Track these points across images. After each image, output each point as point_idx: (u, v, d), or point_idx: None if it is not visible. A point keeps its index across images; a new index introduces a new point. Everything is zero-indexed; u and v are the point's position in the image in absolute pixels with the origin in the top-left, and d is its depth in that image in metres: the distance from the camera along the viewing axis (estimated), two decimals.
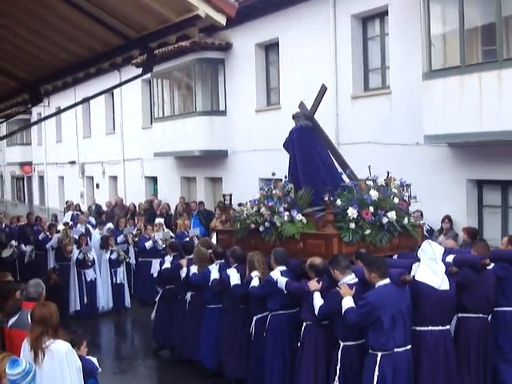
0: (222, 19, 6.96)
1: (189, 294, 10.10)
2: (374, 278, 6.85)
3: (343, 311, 6.84)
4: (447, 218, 12.27)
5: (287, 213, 8.71)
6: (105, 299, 14.48)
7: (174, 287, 10.65)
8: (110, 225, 17.01)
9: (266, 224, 8.88)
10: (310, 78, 15.67)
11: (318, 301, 7.31)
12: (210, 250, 9.98)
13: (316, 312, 7.30)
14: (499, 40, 10.80)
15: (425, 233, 12.16)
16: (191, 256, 10.12)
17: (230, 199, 11.05)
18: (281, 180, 9.49)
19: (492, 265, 7.81)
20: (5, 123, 26.91)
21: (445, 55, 12.21)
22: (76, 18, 8.02)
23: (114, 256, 14.43)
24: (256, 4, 16.23)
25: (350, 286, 7.06)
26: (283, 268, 8.20)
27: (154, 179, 24.31)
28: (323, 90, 10.00)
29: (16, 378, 4.87)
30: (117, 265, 14.56)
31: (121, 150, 26.03)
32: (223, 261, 9.48)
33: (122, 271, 14.70)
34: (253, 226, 9.08)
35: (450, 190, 12.52)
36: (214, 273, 9.25)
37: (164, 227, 15.94)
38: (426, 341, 7.05)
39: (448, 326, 7.27)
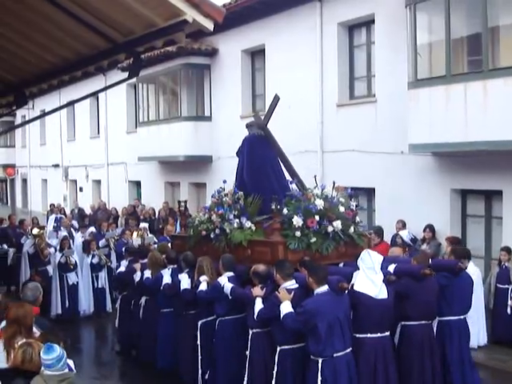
0: (209, 25, 6.89)
1: (143, 299, 10.34)
2: (312, 283, 7.05)
3: (281, 316, 7.01)
4: (428, 228, 12.27)
5: (237, 220, 8.92)
6: (86, 303, 14.32)
7: (128, 293, 10.93)
8: (92, 228, 16.84)
9: (217, 231, 9.11)
10: (295, 85, 15.67)
11: (258, 306, 7.50)
12: (164, 256, 10.15)
13: (255, 316, 7.49)
14: (485, 50, 10.84)
15: (407, 241, 12.23)
16: (145, 260, 10.34)
17: (186, 205, 11.20)
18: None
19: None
20: None
21: (430, 64, 12.23)
22: (62, 21, 7.92)
23: (95, 260, 14.30)
24: (243, 10, 16.20)
25: (289, 290, 7.23)
26: (231, 274, 8.41)
27: (138, 183, 24.17)
28: (276, 100, 10.24)
29: (51, 362, 4.99)
30: (98, 269, 14.43)
31: (105, 154, 25.86)
32: (176, 266, 9.67)
33: (103, 276, 14.56)
34: (204, 232, 9.31)
35: (434, 199, 12.54)
36: (166, 277, 9.47)
37: (148, 232, 15.81)
38: (365, 347, 7.23)
39: (387, 333, 7.42)
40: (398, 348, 7.69)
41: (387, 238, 12.87)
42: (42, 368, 4.98)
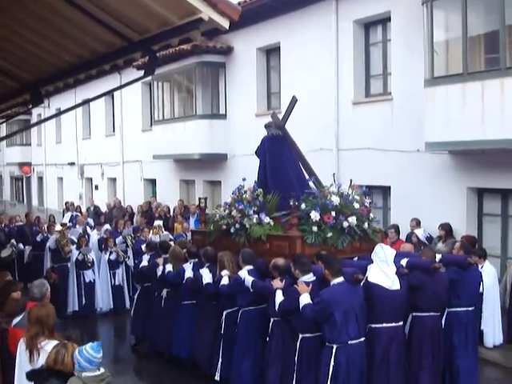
0: (225, 23, 6.91)
1: (165, 291, 10.64)
2: (328, 275, 7.42)
3: (301, 307, 7.37)
4: (442, 226, 12.21)
5: (256, 216, 9.34)
6: (103, 300, 14.43)
7: (151, 284, 11.16)
8: (107, 226, 16.94)
9: (237, 226, 9.52)
10: (311, 83, 15.64)
11: (279, 298, 7.84)
12: (184, 250, 10.51)
13: (276, 308, 7.84)
14: (502, 48, 10.75)
15: (422, 239, 12.20)
16: (167, 255, 10.64)
17: (206, 202, 11.49)
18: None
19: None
20: (5, 124, 26.86)
21: (447, 62, 12.16)
22: (79, 20, 7.97)
23: (113, 257, 14.39)
24: (258, 8, 16.19)
25: (307, 283, 7.59)
26: (250, 267, 8.76)
27: (153, 182, 24.24)
28: (294, 101, 10.61)
29: (99, 361, 5.05)
30: (116, 266, 14.53)
31: (120, 152, 25.98)
32: (197, 260, 10.05)
33: (121, 272, 14.67)
34: (224, 227, 9.73)
35: (449, 198, 12.47)
36: (188, 271, 9.83)
37: (163, 229, 15.89)
38: (380, 336, 7.58)
39: (401, 323, 7.79)
40: (409, 337, 8.05)
41: (402, 236, 12.85)
42: (78, 368, 4.98)
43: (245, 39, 17.89)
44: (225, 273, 8.95)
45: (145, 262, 11.46)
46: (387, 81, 14.38)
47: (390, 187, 14.02)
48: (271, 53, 17.81)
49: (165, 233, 15.46)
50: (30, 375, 5.37)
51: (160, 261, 10.73)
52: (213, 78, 19.35)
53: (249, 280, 8.47)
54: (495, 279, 10.64)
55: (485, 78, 10.97)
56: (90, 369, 5.00)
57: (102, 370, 5.10)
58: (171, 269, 10.27)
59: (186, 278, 9.81)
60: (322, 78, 15.33)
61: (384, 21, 14.24)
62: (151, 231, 15.42)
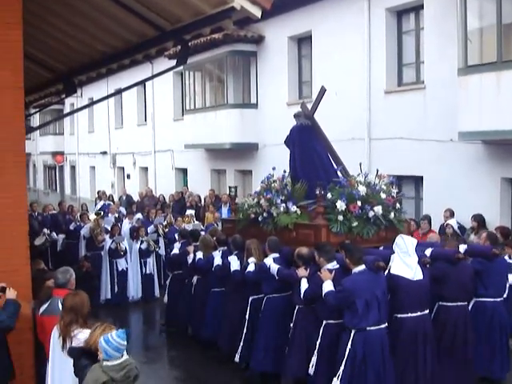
0: (257, 12, 6.94)
1: (195, 278, 10.96)
2: (349, 264, 7.51)
3: (323, 294, 7.50)
4: (474, 217, 12.08)
5: (284, 204, 9.42)
6: (135, 289, 14.60)
7: (182, 272, 11.48)
8: (139, 215, 17.10)
9: (265, 214, 9.65)
10: (342, 72, 15.57)
11: (304, 286, 7.97)
12: (214, 238, 10.77)
13: (301, 295, 7.96)
14: None
15: (456, 230, 12.09)
16: (197, 243, 10.92)
17: (236, 191, 11.64)
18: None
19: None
20: (38, 113, 27.22)
21: (481, 50, 11.99)
22: (111, 10, 8.06)
23: (144, 246, 14.53)
24: None
25: (330, 271, 7.70)
26: (276, 255, 8.89)
27: (184, 171, 24.39)
28: (323, 91, 10.52)
29: (123, 348, 5.09)
30: (147, 255, 14.68)
31: (152, 142, 26.17)
32: (226, 248, 10.24)
33: (151, 261, 14.81)
34: (252, 215, 9.86)
35: (483, 189, 12.33)
36: (217, 259, 10.03)
37: (194, 219, 16.01)
38: (406, 325, 7.62)
39: (426, 311, 7.81)
40: (433, 327, 8.00)
41: (435, 227, 12.76)
42: (105, 357, 5.01)
43: (276, 28, 17.85)
44: (251, 260, 9.09)
45: (176, 250, 11.73)
46: (420, 69, 14.24)
47: (422, 177, 13.92)
48: (302, 41, 17.75)
49: (196, 222, 15.57)
50: (70, 351, 5.55)
51: (190, 248, 10.97)
52: (244, 67, 19.37)
53: (274, 268, 8.60)
54: None
55: None
56: (117, 356, 5.04)
57: (125, 356, 5.13)
58: (201, 256, 10.50)
59: (214, 265, 10.00)
60: (354, 66, 15.24)
61: (417, 8, 14.09)
62: (183, 220, 15.52)
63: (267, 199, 9.60)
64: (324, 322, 7.76)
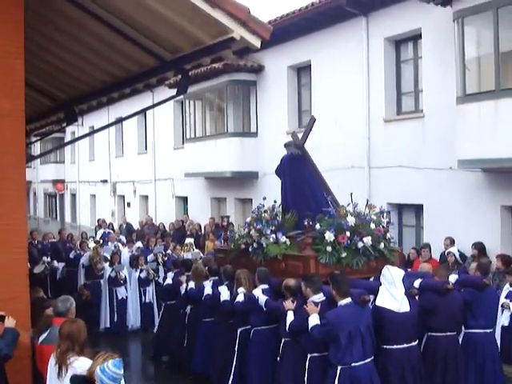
0: (256, 42, 7.01)
1: (188, 308, 10.97)
2: (335, 296, 7.46)
3: (309, 327, 7.45)
4: (474, 245, 12.08)
5: (273, 235, 9.38)
6: (134, 318, 14.54)
7: (175, 302, 11.47)
8: (139, 244, 17.08)
9: (255, 245, 9.58)
10: (342, 101, 15.68)
11: (289, 318, 7.90)
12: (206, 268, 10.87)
13: (287, 328, 7.89)
14: None
15: (457, 258, 12.07)
16: (190, 273, 10.99)
17: (228, 220, 11.55)
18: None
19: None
20: (39, 141, 27.32)
21: (479, 79, 12.09)
22: (113, 40, 8.14)
23: (143, 275, 14.48)
24: (289, 27, 16.30)
25: (316, 303, 7.65)
26: (265, 286, 8.88)
27: (185, 199, 24.41)
28: (312, 120, 10.68)
29: (120, 377, 5.06)
30: (146, 284, 14.62)
31: (152, 170, 26.24)
32: (217, 278, 10.29)
33: (151, 290, 14.73)
34: (243, 246, 9.83)
35: (483, 216, 12.34)
36: (208, 289, 10.06)
37: (194, 247, 15.98)
38: (393, 357, 7.57)
39: (414, 343, 7.75)
40: (422, 356, 7.97)
41: (435, 255, 12.74)
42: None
43: (275, 57, 18.02)
44: (241, 290, 9.05)
45: (169, 280, 11.74)
46: (419, 98, 14.34)
47: (422, 205, 13.93)
48: (302, 71, 17.89)
49: (196, 250, 15.54)
50: (72, 379, 5.48)
51: (183, 278, 11.02)
52: (244, 96, 19.50)
53: (262, 299, 8.59)
54: None
55: None
56: None
57: None
58: (193, 285, 10.52)
59: (204, 294, 10.00)
60: (353, 95, 15.35)
61: (415, 38, 14.24)
62: (182, 249, 15.50)
63: (257, 230, 9.57)
64: (309, 356, 7.70)
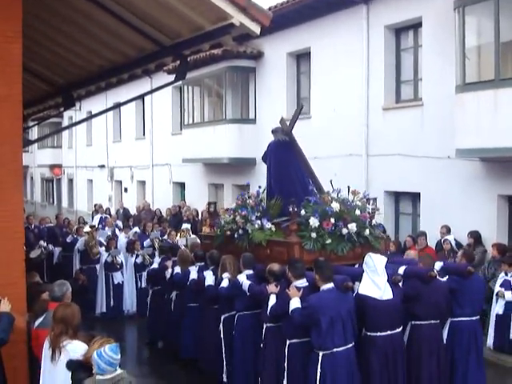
0: (256, 28, 6.97)
1: (174, 294, 10.95)
2: (318, 281, 7.46)
3: (290, 311, 7.43)
4: (470, 234, 12.12)
5: (258, 221, 9.36)
6: (130, 303, 14.56)
7: (160, 287, 11.56)
8: (136, 229, 17.07)
9: (240, 231, 9.57)
10: (341, 89, 15.64)
11: (272, 302, 7.91)
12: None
13: (268, 312, 7.90)
14: None
15: (454, 246, 12.11)
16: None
17: (215, 207, 11.56)
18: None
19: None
20: (36, 126, 27.26)
21: (479, 68, 12.08)
22: (112, 25, 8.09)
23: (139, 260, 14.47)
24: (288, 13, 16.22)
25: (299, 288, 7.62)
26: (250, 272, 8.88)
27: (182, 185, 24.40)
28: (300, 108, 10.69)
29: (116, 362, 5.07)
30: (142, 269, 14.57)
31: (150, 156, 26.22)
32: (203, 263, 10.26)
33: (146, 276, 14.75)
34: (228, 232, 9.80)
35: (480, 205, 12.36)
36: (193, 274, 10.06)
37: (190, 233, 15.97)
38: (377, 344, 7.59)
39: (398, 329, 7.76)
40: (407, 346, 8.01)
41: (431, 243, 12.78)
42: (98, 371, 5.01)
43: (275, 44, 17.95)
44: (226, 275, 9.07)
45: (155, 265, 11.84)
46: (418, 87, 14.31)
47: (419, 194, 13.94)
48: (301, 58, 17.84)
49: (192, 236, 15.54)
50: (68, 364, 5.50)
51: (169, 263, 11.06)
52: (243, 83, 19.43)
53: (246, 284, 8.58)
54: None
55: None
56: (110, 370, 5.03)
57: (119, 370, 5.11)
58: (179, 271, 10.54)
59: (190, 279, 10.02)
60: (353, 83, 15.31)
61: (415, 26, 14.19)
62: (179, 234, 15.49)
63: (242, 216, 9.56)
64: (288, 342, 7.68)
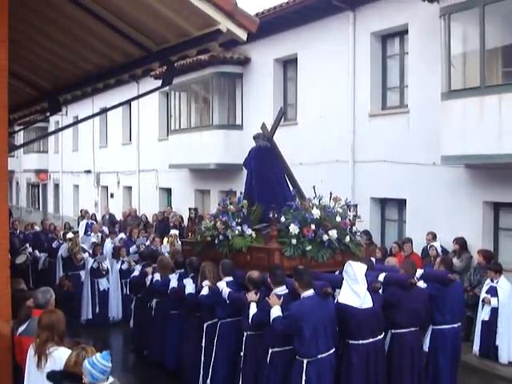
0: (243, 34, 6.97)
1: (154, 301, 10.87)
2: (298, 288, 7.41)
3: (271, 319, 7.38)
4: (455, 240, 12.15)
5: (239, 227, 9.34)
6: (116, 309, 14.45)
7: (141, 295, 11.47)
8: (122, 235, 17.01)
9: (220, 237, 9.54)
10: (327, 95, 15.68)
11: (252, 311, 7.86)
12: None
13: (249, 321, 7.85)
14: None
15: (439, 252, 12.14)
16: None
17: (196, 213, 11.59)
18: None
19: (421, 282, 8.44)
20: (22, 131, 27.10)
21: (464, 75, 12.14)
22: (98, 29, 8.07)
23: (124, 266, 14.37)
24: (275, 19, 16.24)
25: (279, 296, 7.59)
26: (230, 279, 8.84)
27: (169, 191, 24.34)
28: (281, 112, 10.73)
29: (108, 370, 5.02)
30: (127, 275, 14.45)
31: (136, 161, 26.13)
32: (183, 270, 10.16)
33: None
34: (209, 238, 9.77)
35: (466, 212, 12.41)
36: (173, 281, 9.96)
37: (178, 239, 15.92)
38: (358, 351, 7.55)
39: (379, 336, 7.75)
40: (387, 355, 7.98)
41: (416, 249, 12.81)
42: (91, 380, 4.95)
43: (262, 50, 17.97)
44: (206, 283, 8.97)
45: (136, 272, 11.71)
46: (404, 93, 14.38)
47: (405, 200, 13.99)
48: (288, 64, 17.87)
49: (179, 242, 15.48)
50: (49, 376, 5.43)
51: (149, 270, 10.95)
52: (230, 89, 19.45)
53: (226, 291, 8.54)
54: (511, 294, 10.56)
55: (502, 92, 10.93)
56: (103, 379, 4.98)
57: (111, 379, 5.07)
58: (159, 278, 10.42)
59: (170, 287, 9.91)
60: (339, 89, 15.35)
61: (401, 33, 14.26)
62: (166, 240, 15.44)
63: (223, 222, 9.53)
64: (270, 351, 7.62)
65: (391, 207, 14.83)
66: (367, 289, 7.63)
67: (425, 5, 12.59)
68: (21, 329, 6.68)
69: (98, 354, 5.02)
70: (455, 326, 8.58)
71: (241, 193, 10.11)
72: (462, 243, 12.10)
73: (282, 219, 8.93)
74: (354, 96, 15.07)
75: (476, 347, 10.72)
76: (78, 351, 5.20)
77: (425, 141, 13.15)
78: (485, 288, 10.73)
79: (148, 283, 10.80)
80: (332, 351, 7.28)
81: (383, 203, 14.96)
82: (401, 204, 14.37)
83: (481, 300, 10.71)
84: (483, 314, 10.63)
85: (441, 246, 12.42)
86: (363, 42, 14.82)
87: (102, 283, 14.13)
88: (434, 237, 12.64)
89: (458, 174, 12.59)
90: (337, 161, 15.31)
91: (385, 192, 14.37)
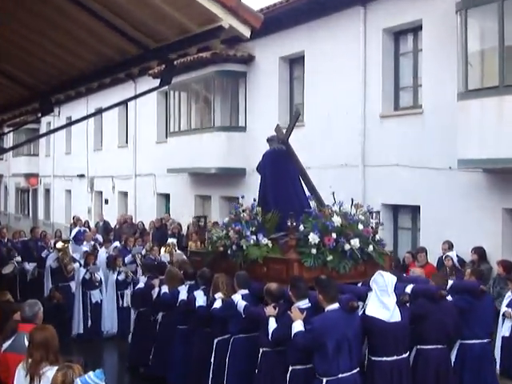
0: (246, 31, 6.95)
1: (160, 315, 10.81)
2: (322, 301, 7.32)
3: (293, 334, 7.29)
4: (474, 250, 12.10)
5: (254, 236, 9.27)
6: (110, 322, 14.42)
7: (146, 309, 11.39)
8: (116, 243, 16.98)
9: (234, 247, 9.49)
10: (336, 95, 15.67)
11: (271, 326, 7.78)
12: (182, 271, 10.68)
13: (270, 337, 7.77)
14: None
15: (456, 263, 12.10)
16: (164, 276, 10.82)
17: (205, 221, 11.49)
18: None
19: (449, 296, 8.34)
20: (12, 132, 27.16)
21: (482, 74, 12.13)
22: (93, 26, 8.06)
23: (121, 277, 14.37)
24: (281, 15, 16.28)
25: (302, 310, 7.51)
26: (245, 291, 8.79)
27: (167, 196, 24.34)
28: (297, 115, 10.79)
29: None
30: (124, 287, 14.50)
31: (133, 165, 26.14)
32: (193, 282, 10.10)
33: (129, 293, 14.54)
34: (221, 248, 9.71)
35: (484, 220, 12.37)
36: (183, 293, 9.91)
37: (176, 248, 15.92)
38: (382, 369, 7.49)
39: (405, 355, 7.66)
40: (412, 372, 7.86)
41: (432, 259, 12.77)
42: None
43: (267, 48, 17.99)
44: (218, 295, 8.94)
45: (141, 284, 11.60)
46: (418, 93, 14.37)
47: (419, 207, 13.96)
48: (295, 62, 17.88)
49: (178, 252, 15.48)
50: None
51: (156, 282, 10.88)
52: (232, 88, 19.46)
53: (241, 305, 8.49)
54: None
55: None
56: None
57: None
58: (167, 290, 10.35)
59: (179, 300, 9.85)
60: (349, 89, 15.34)
61: (415, 30, 14.26)
62: (164, 249, 15.42)
63: (236, 231, 9.46)
64: (291, 368, 7.54)
65: (404, 214, 14.81)
66: (396, 302, 7.58)
67: None
68: (6, 345, 6.60)
69: (91, 373, 5.01)
70: (484, 341, 8.52)
71: (254, 199, 10.06)
72: (480, 253, 12.03)
73: (301, 227, 8.87)
74: (364, 96, 15.06)
75: (496, 365, 10.65)
76: (64, 370, 5.14)
77: (440, 144, 13.12)
78: (505, 301, 10.63)
79: (155, 296, 10.74)
80: (355, 371, 7.19)
81: (396, 210, 14.93)
82: (414, 211, 14.34)
83: (501, 314, 10.63)
84: (504, 330, 10.51)
85: (457, 256, 12.36)
86: (374, 39, 14.82)
87: (95, 295, 14.10)
88: (450, 246, 12.58)
89: (475, 179, 12.55)
90: (346, 165, 15.30)
91: (397, 198, 14.34)
